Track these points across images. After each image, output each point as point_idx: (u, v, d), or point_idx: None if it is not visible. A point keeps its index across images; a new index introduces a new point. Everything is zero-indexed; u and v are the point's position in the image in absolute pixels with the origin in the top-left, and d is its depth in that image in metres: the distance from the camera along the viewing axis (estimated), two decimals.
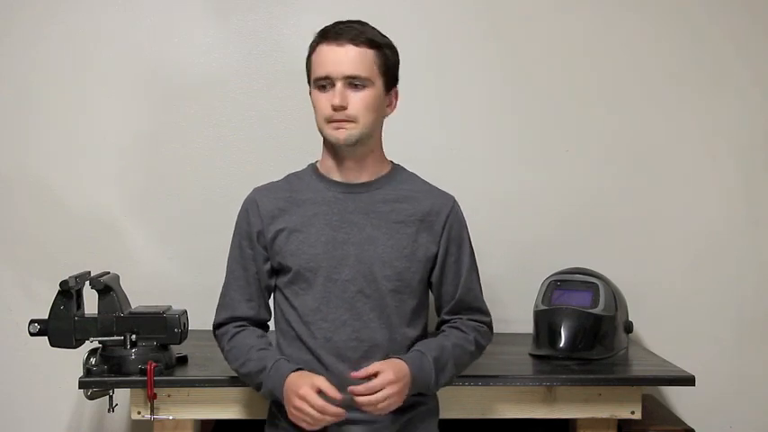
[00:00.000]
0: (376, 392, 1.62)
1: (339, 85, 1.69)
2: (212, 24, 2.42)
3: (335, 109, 1.69)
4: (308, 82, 1.79)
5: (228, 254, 1.85)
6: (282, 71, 2.42)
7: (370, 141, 1.77)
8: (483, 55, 2.46)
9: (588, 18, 2.47)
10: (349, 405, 1.64)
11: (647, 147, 2.49)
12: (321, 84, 1.72)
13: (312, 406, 1.60)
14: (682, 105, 2.49)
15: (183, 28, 2.42)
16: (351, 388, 1.62)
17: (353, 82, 1.70)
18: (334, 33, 1.71)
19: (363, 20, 1.76)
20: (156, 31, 2.41)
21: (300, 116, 2.38)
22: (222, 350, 1.83)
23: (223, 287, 1.84)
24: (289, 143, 2.40)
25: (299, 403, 1.62)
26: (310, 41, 1.76)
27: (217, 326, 1.84)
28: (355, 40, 1.70)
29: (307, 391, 1.61)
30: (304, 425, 1.64)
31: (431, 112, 2.42)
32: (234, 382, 1.92)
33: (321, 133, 1.76)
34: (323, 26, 1.77)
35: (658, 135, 2.49)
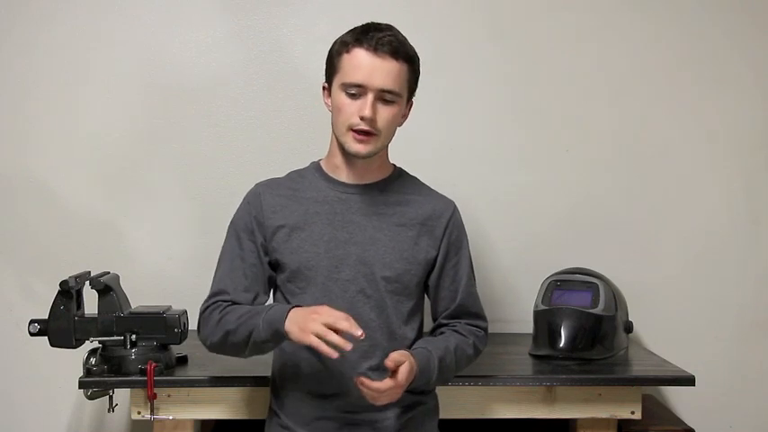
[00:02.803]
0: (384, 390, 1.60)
1: (371, 96, 1.67)
2: (212, 24, 2.42)
3: (363, 119, 1.67)
4: (328, 78, 1.75)
5: (224, 246, 1.81)
6: (282, 71, 2.41)
7: (383, 149, 1.77)
8: (483, 55, 2.46)
9: (588, 18, 2.47)
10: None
11: (647, 147, 2.49)
12: (351, 90, 1.69)
13: (328, 315, 1.55)
14: (682, 105, 2.49)
15: (183, 28, 2.42)
16: (362, 380, 1.60)
17: (385, 96, 1.68)
18: (375, 41, 1.67)
19: (364, 20, 1.75)
20: (156, 31, 2.41)
21: (300, 116, 2.39)
22: (207, 321, 1.73)
23: (217, 278, 1.78)
24: (289, 143, 2.40)
25: (315, 316, 1.55)
26: (338, 39, 1.72)
27: (205, 309, 1.76)
28: (395, 54, 1.67)
29: (324, 308, 1.56)
30: (314, 340, 1.53)
31: (431, 111, 2.41)
32: (234, 382, 1.92)
33: (338, 137, 1.74)
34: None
35: (658, 135, 2.49)
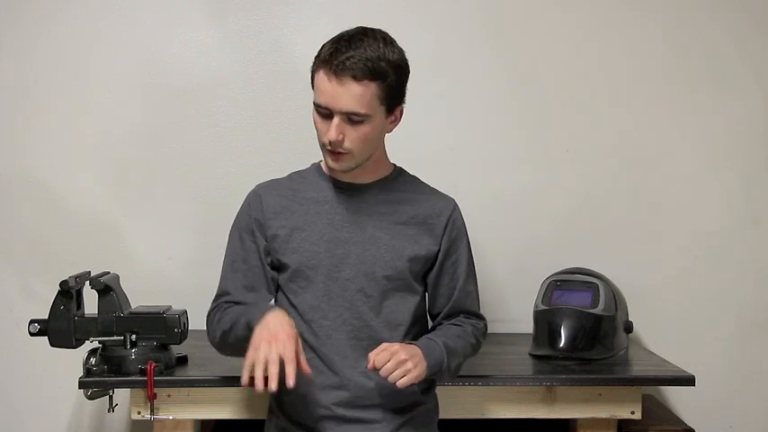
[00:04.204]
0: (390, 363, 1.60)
1: (337, 119, 1.64)
2: (212, 24, 2.42)
3: (331, 143, 1.67)
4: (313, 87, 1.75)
5: (227, 248, 1.83)
6: (282, 71, 2.42)
7: (367, 159, 1.75)
8: (484, 55, 2.45)
9: (588, 18, 2.47)
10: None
11: (647, 147, 2.49)
12: (320, 111, 1.68)
13: (285, 344, 1.54)
14: (682, 105, 2.49)
15: (183, 28, 2.42)
16: (370, 356, 1.60)
17: (352, 117, 1.65)
18: (336, 66, 1.62)
19: (364, 23, 1.71)
20: (155, 31, 2.41)
21: (300, 116, 2.38)
22: (211, 323, 1.77)
23: (221, 279, 1.82)
24: (289, 143, 2.40)
25: (276, 331, 1.56)
26: (317, 50, 1.70)
27: (209, 312, 1.80)
28: (357, 77, 1.62)
29: (284, 334, 1.55)
30: (253, 360, 1.54)
31: (431, 111, 2.41)
32: (234, 382, 1.91)
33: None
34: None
35: (658, 135, 2.49)
